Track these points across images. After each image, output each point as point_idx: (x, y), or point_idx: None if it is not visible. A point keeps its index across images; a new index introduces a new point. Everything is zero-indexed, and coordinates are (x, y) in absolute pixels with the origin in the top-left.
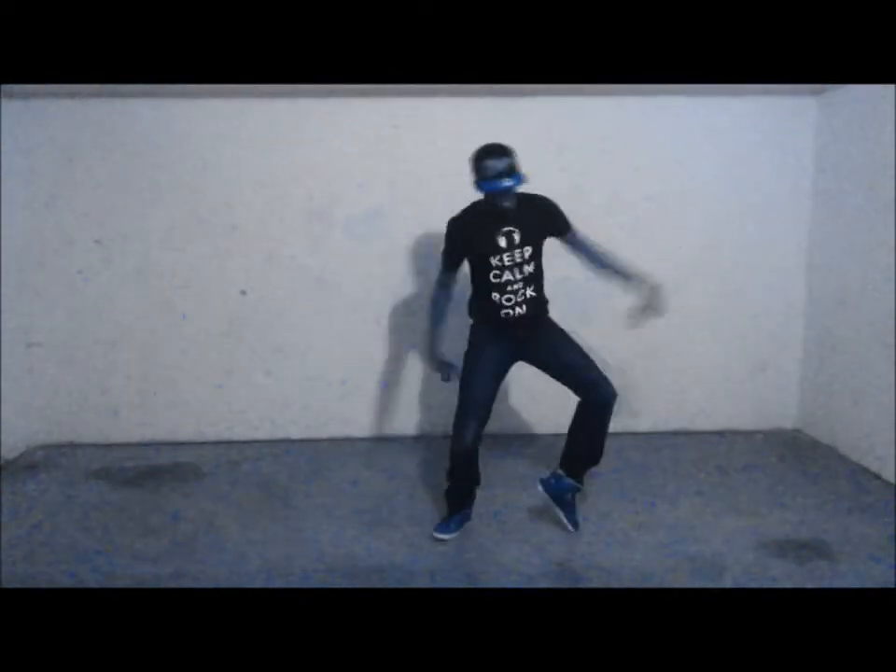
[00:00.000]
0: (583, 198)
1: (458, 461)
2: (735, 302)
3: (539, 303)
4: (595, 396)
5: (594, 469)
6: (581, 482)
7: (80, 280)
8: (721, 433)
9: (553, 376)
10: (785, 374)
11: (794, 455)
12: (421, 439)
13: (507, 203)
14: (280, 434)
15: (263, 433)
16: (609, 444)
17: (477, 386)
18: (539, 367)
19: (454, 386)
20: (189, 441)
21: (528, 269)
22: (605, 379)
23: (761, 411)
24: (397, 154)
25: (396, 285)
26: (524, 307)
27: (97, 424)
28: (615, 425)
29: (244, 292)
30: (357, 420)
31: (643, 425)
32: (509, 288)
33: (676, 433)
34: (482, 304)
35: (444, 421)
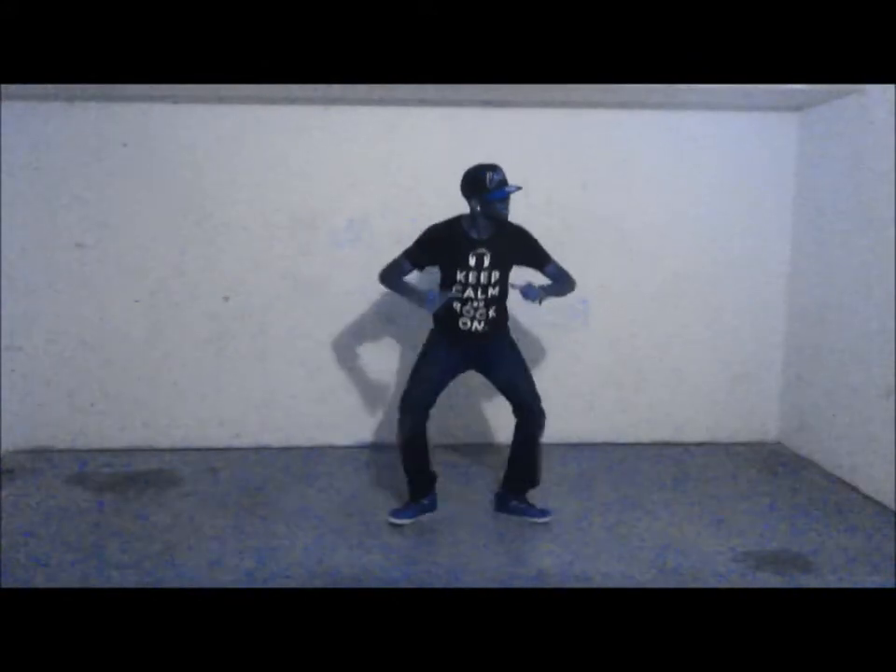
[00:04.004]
0: (561, 212)
1: (405, 446)
2: (716, 316)
3: (497, 323)
4: (527, 416)
5: (574, 481)
6: (523, 500)
7: (61, 284)
8: (702, 445)
9: (499, 389)
10: (766, 388)
11: (774, 468)
12: None
13: (505, 210)
14: (261, 441)
15: (244, 440)
16: (592, 455)
17: (424, 378)
18: (486, 377)
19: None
20: (168, 447)
21: (492, 292)
22: (537, 402)
23: (742, 423)
24: (382, 163)
25: (379, 293)
26: (482, 324)
27: (76, 429)
28: (601, 435)
29: (227, 298)
30: (338, 428)
31: (625, 436)
32: (469, 304)
33: (657, 444)
34: (444, 312)
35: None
